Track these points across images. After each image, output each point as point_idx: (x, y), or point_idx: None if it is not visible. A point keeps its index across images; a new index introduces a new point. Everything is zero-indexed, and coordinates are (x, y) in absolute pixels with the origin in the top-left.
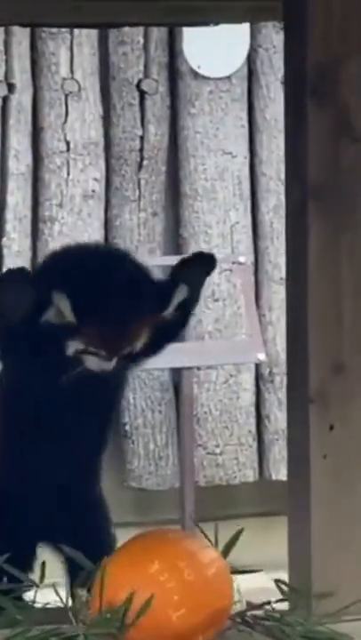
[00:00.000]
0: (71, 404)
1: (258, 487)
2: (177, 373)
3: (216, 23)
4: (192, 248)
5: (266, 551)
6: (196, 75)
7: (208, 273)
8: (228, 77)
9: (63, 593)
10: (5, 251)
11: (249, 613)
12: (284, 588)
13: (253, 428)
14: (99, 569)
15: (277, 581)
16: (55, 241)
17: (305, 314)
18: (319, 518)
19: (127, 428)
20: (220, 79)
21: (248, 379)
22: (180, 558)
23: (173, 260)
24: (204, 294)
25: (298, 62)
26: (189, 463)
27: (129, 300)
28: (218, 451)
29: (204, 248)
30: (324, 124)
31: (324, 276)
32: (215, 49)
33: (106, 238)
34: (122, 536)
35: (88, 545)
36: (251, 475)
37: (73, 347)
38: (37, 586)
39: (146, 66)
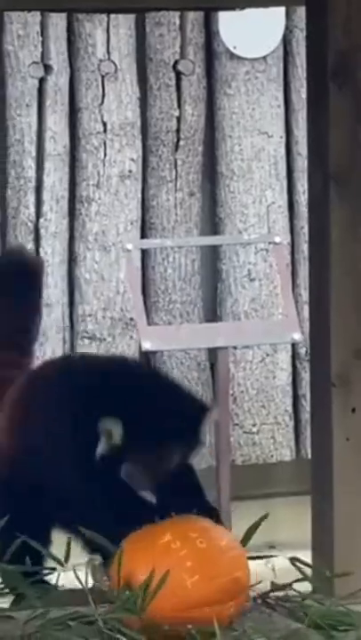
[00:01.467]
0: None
1: (295, 466)
2: (213, 353)
3: (242, 8)
4: (228, 228)
5: (303, 530)
6: (232, 55)
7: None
8: (264, 58)
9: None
10: (42, 231)
11: (271, 595)
12: (304, 568)
13: (290, 408)
14: (116, 549)
15: (294, 559)
16: (92, 221)
17: (327, 299)
18: (342, 500)
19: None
20: (256, 59)
21: (285, 358)
22: (192, 530)
23: (210, 240)
24: (241, 274)
25: (320, 48)
26: (225, 442)
27: (170, 424)
28: (255, 430)
29: (241, 228)
30: (345, 108)
31: (345, 260)
32: (251, 30)
33: (143, 218)
34: None
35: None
36: (288, 454)
37: (125, 470)
38: (63, 564)
39: (182, 47)
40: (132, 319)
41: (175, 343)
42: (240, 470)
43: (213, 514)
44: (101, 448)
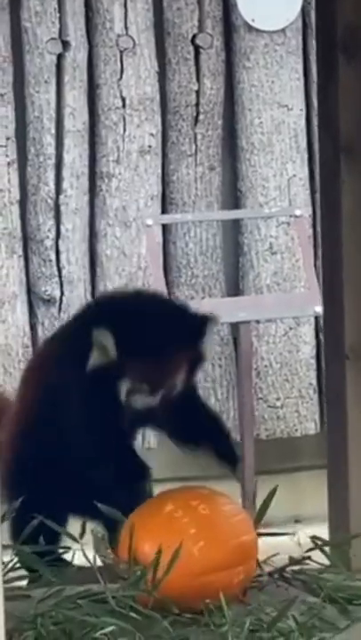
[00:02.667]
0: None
1: (319, 439)
2: (236, 327)
3: None
4: (249, 202)
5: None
6: (250, 28)
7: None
8: (283, 30)
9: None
10: (63, 208)
11: (288, 569)
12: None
13: (314, 381)
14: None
15: (314, 538)
16: (113, 197)
17: (340, 272)
18: (357, 472)
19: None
20: (275, 32)
21: (308, 331)
22: (193, 498)
23: (231, 214)
24: (263, 248)
25: (329, 21)
26: (249, 416)
27: (167, 334)
28: (279, 404)
29: (262, 201)
30: (354, 81)
31: (358, 232)
32: (269, 2)
33: (163, 193)
34: None
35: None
36: (312, 427)
37: (123, 388)
38: (77, 541)
39: (200, 20)
40: None
41: None
42: (265, 444)
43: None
44: (94, 360)
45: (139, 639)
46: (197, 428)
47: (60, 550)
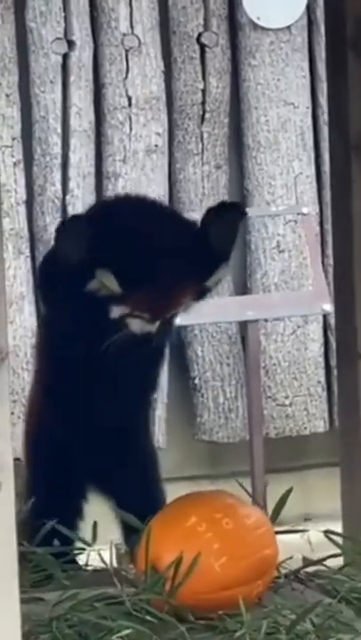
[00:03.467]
0: (113, 363)
1: (328, 437)
2: (244, 326)
3: None
4: (256, 200)
5: (338, 501)
6: (255, 26)
7: (237, 220)
8: (288, 28)
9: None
10: (70, 208)
11: (303, 570)
12: (338, 540)
13: (323, 379)
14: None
15: (328, 532)
16: None
17: (351, 270)
18: None
19: (196, 381)
20: (280, 30)
21: (316, 329)
22: (217, 510)
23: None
24: (270, 246)
25: (338, 17)
26: (258, 415)
27: (173, 269)
28: (287, 402)
29: (269, 199)
30: None
31: None
32: (274, 0)
33: (170, 192)
34: (193, 489)
35: (136, 500)
36: (321, 425)
37: (118, 311)
38: (90, 545)
39: (205, 19)
40: None
41: (205, 317)
42: (274, 443)
43: None
44: (94, 285)
45: None
46: None
47: (75, 552)
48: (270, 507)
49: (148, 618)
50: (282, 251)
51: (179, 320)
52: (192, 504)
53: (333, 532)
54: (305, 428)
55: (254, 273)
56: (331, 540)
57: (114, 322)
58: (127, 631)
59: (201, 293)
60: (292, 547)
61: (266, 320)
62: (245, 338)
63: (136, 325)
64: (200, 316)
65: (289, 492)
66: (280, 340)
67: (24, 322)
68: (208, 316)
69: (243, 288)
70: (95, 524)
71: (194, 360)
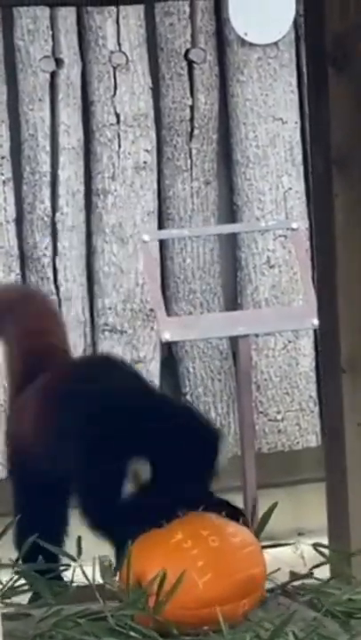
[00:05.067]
0: None
1: (320, 452)
2: (235, 342)
3: None
4: (246, 215)
5: None
6: (243, 42)
7: None
8: (276, 43)
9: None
10: (59, 225)
11: (290, 585)
12: (326, 553)
13: (314, 394)
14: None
15: (317, 545)
16: (109, 214)
17: (334, 285)
18: (355, 485)
19: (188, 397)
20: (268, 45)
21: (307, 344)
22: (204, 528)
23: (228, 228)
24: (260, 262)
25: (318, 32)
26: (250, 430)
27: (195, 457)
28: (279, 417)
29: (258, 215)
30: (345, 92)
31: (351, 246)
32: (261, 15)
33: (159, 209)
34: None
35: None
36: (313, 440)
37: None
38: (75, 560)
39: (193, 35)
40: (152, 310)
41: (195, 333)
42: (266, 458)
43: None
44: (128, 489)
45: None
46: None
47: (60, 568)
48: None
49: (132, 634)
50: (272, 266)
51: (169, 336)
52: (179, 521)
53: (323, 545)
54: (297, 442)
55: (245, 289)
56: (320, 552)
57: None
58: None
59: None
60: (284, 561)
61: (257, 335)
62: (236, 353)
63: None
64: (191, 332)
65: (273, 507)
66: (271, 355)
67: None
68: (199, 331)
69: (233, 303)
70: (79, 539)
71: (185, 376)
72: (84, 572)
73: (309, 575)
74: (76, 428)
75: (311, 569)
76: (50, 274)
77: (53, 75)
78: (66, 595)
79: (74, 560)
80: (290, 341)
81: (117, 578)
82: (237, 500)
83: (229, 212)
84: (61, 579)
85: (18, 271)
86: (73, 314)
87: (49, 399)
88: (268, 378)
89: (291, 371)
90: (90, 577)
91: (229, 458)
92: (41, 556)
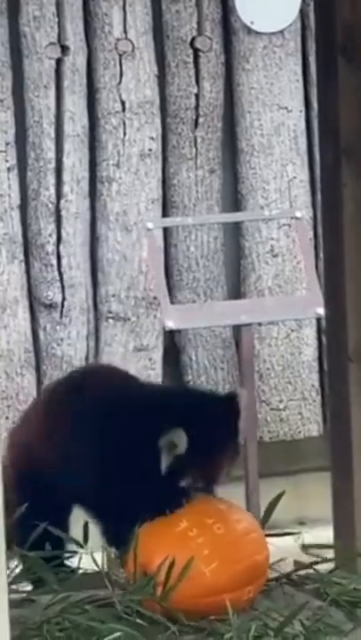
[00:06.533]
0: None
1: (322, 441)
2: (238, 330)
3: None
4: (250, 204)
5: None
6: (249, 30)
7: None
8: (282, 32)
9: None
10: (64, 212)
11: (294, 574)
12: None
13: (317, 383)
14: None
15: (306, 547)
16: (113, 201)
17: (341, 274)
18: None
19: (191, 385)
20: (274, 34)
21: (310, 333)
22: (208, 516)
23: (232, 217)
24: (264, 250)
25: (328, 22)
26: (252, 419)
27: (221, 429)
28: (281, 406)
29: (263, 203)
30: (354, 82)
31: (359, 235)
32: (268, 4)
33: (164, 196)
34: None
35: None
36: (315, 429)
37: (185, 483)
38: (82, 546)
39: (199, 23)
40: (155, 298)
41: (198, 321)
42: (268, 447)
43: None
44: (166, 461)
45: None
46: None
47: (66, 555)
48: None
49: (139, 620)
50: (276, 255)
51: (173, 324)
52: (184, 511)
53: (314, 546)
54: (299, 432)
55: (248, 277)
56: (311, 554)
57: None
58: (117, 634)
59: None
60: (286, 550)
61: (260, 324)
62: (239, 342)
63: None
64: (194, 320)
65: (280, 496)
66: (274, 344)
67: (18, 326)
68: (202, 320)
69: (236, 292)
70: (86, 525)
71: (188, 364)
72: (94, 559)
73: (313, 565)
74: (93, 437)
75: (316, 562)
76: (54, 261)
77: (59, 61)
78: (72, 582)
79: (81, 546)
80: (293, 330)
81: (122, 570)
82: (239, 489)
83: (234, 200)
84: (66, 566)
85: (22, 258)
86: (76, 301)
87: (56, 410)
88: (270, 367)
89: (293, 360)
90: (95, 564)
91: None
92: (47, 543)
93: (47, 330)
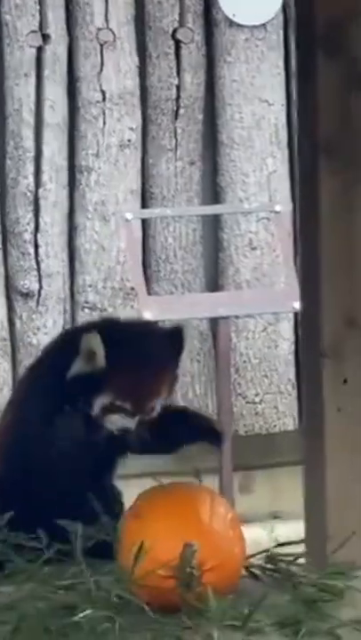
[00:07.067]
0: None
1: (298, 435)
2: (215, 323)
3: None
4: (230, 197)
5: None
6: (231, 23)
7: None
8: (264, 25)
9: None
10: (42, 201)
11: (263, 566)
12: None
13: (293, 377)
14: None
15: (278, 546)
16: (92, 191)
17: (317, 270)
18: (333, 471)
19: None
20: (256, 27)
21: (287, 327)
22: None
23: (211, 209)
24: (242, 243)
25: (308, 15)
26: (227, 412)
27: (154, 351)
28: (257, 399)
29: (242, 196)
30: (334, 77)
31: (336, 231)
32: None
33: (143, 187)
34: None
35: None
36: (291, 423)
37: (99, 402)
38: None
39: (181, 15)
40: (132, 289)
41: (176, 313)
42: (243, 440)
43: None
44: (77, 368)
45: (118, 624)
46: (177, 428)
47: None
48: (238, 504)
49: (114, 600)
50: (254, 248)
51: (150, 315)
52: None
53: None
54: (275, 425)
55: (226, 270)
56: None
57: (94, 420)
58: (89, 611)
59: (172, 382)
60: (260, 544)
61: (237, 317)
62: (216, 334)
63: (115, 423)
64: (172, 311)
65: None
66: (251, 337)
67: None
68: (180, 312)
69: (214, 285)
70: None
71: None
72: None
73: (281, 557)
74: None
75: (285, 555)
76: (31, 249)
77: (40, 50)
78: (38, 569)
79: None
80: (270, 324)
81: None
82: (213, 482)
83: (213, 192)
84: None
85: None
86: (53, 290)
87: None
88: (247, 360)
89: (270, 353)
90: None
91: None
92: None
93: (23, 318)
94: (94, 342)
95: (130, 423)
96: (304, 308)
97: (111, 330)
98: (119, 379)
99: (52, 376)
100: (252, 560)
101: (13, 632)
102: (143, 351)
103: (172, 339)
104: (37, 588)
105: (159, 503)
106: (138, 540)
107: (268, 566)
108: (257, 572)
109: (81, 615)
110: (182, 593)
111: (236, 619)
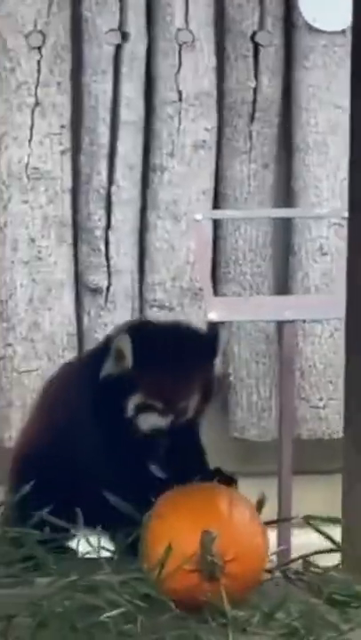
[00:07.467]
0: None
1: None
2: (281, 326)
3: None
4: (302, 201)
5: None
6: (310, 28)
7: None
8: (343, 31)
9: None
10: (114, 198)
11: (291, 567)
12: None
13: None
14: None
15: (307, 517)
16: (164, 190)
17: None
18: None
19: (231, 379)
20: (335, 33)
21: None
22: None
23: (281, 212)
24: (313, 248)
25: None
26: (289, 415)
27: (184, 351)
28: (321, 404)
29: (314, 201)
30: None
31: None
32: (330, 2)
33: (216, 189)
34: None
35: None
36: None
37: (132, 402)
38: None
39: (261, 18)
40: (200, 289)
41: (241, 314)
42: (305, 444)
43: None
44: (108, 368)
45: (145, 624)
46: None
47: (65, 539)
48: (297, 507)
49: (137, 602)
50: (325, 253)
51: (216, 316)
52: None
53: (313, 517)
54: (338, 431)
55: (295, 274)
56: (312, 525)
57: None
58: (117, 611)
59: (208, 386)
60: (310, 548)
61: (304, 321)
62: (281, 338)
63: (147, 422)
64: (238, 313)
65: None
66: (317, 342)
67: (63, 309)
68: (245, 313)
69: (283, 289)
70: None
71: (229, 357)
72: (89, 543)
73: (308, 559)
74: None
75: (312, 554)
76: (102, 246)
77: (118, 48)
78: (69, 564)
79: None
80: (336, 330)
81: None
82: (272, 485)
83: (286, 196)
84: (66, 549)
85: (70, 241)
86: (122, 287)
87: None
88: (312, 364)
89: (336, 359)
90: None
91: (269, 441)
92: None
93: (91, 314)
94: (123, 343)
95: (162, 422)
96: (349, 308)
97: (142, 331)
98: (149, 377)
99: (88, 378)
100: (272, 560)
101: (38, 627)
102: (173, 351)
103: (207, 341)
104: (63, 587)
105: (179, 502)
106: (161, 538)
107: (294, 569)
108: (291, 575)
109: (107, 615)
110: (206, 589)
111: (258, 621)
